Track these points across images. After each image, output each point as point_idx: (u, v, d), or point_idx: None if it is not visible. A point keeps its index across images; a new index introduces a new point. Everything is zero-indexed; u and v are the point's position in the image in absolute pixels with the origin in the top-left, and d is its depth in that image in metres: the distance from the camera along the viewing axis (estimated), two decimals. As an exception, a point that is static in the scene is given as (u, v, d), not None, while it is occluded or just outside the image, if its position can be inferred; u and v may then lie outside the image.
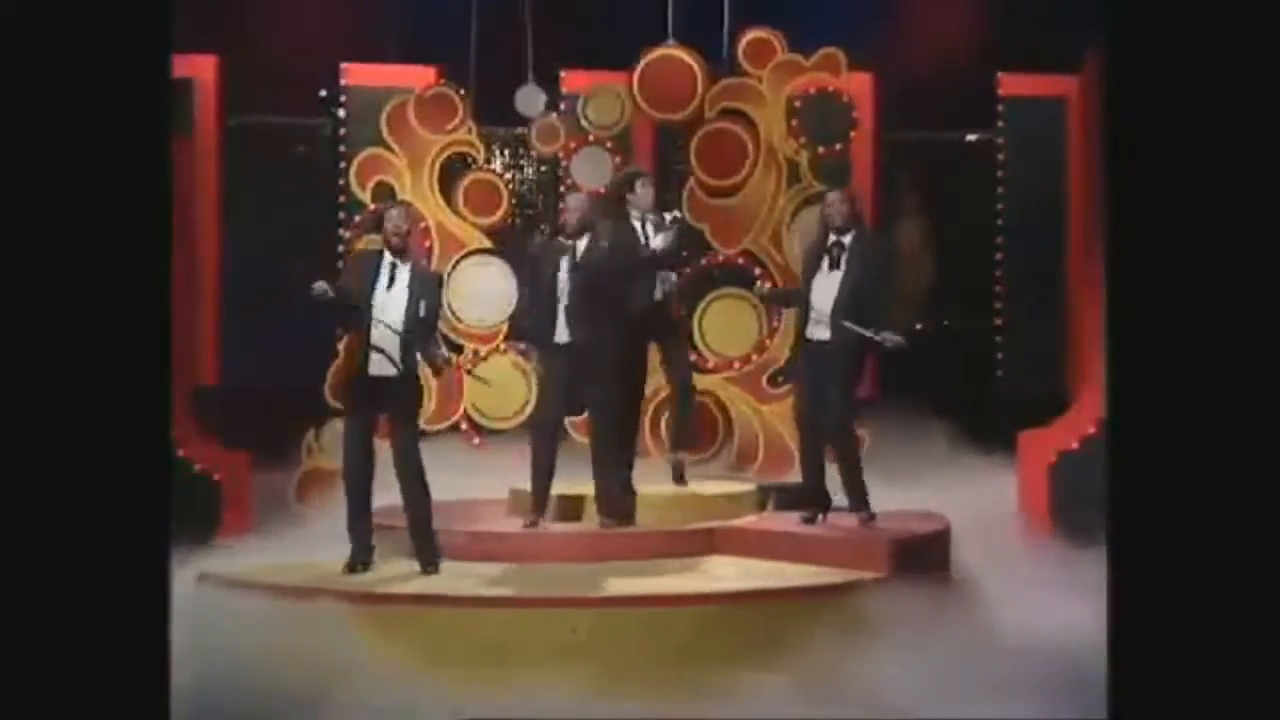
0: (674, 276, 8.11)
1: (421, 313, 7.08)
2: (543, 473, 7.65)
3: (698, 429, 9.16)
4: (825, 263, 7.60)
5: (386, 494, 7.27)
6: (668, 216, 7.95)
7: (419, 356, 7.11)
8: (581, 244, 7.67)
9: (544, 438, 7.70)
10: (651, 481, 8.17)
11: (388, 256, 7.15)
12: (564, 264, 7.63)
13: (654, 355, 8.30)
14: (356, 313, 7.05)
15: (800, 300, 7.69)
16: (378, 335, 7.02)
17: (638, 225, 7.95)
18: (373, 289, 7.07)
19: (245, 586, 6.85)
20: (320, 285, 6.98)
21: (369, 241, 9.14)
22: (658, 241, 7.85)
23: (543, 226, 10.33)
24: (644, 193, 7.99)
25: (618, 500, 7.72)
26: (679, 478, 8.26)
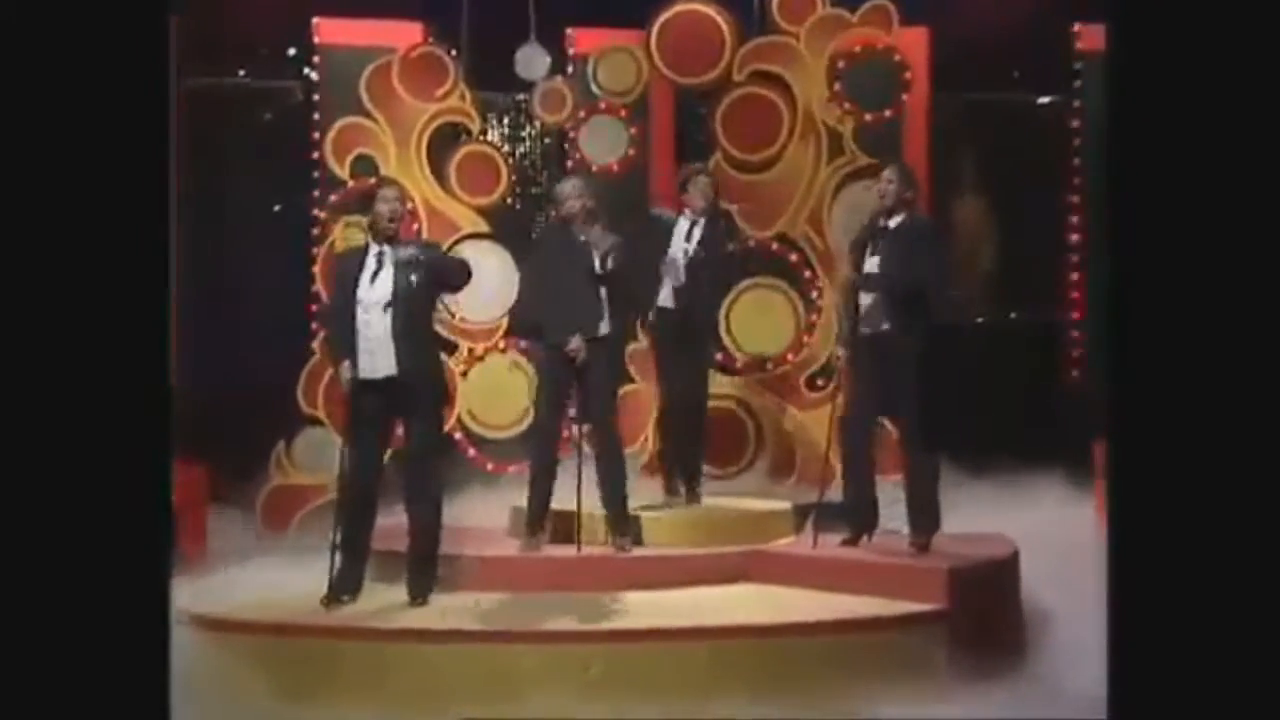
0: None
1: (414, 286, 7.03)
2: (544, 485, 7.68)
3: (725, 440, 9.23)
4: (869, 249, 7.63)
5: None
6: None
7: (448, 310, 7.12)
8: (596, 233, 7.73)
9: (546, 445, 7.77)
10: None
11: (374, 246, 7.14)
12: (604, 252, 7.67)
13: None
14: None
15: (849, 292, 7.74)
16: (366, 333, 7.01)
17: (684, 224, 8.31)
18: (355, 284, 7.07)
19: (207, 621, 6.85)
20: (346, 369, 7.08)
21: (346, 225, 9.20)
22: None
23: (548, 209, 10.34)
24: (694, 192, 8.31)
25: (631, 518, 7.75)
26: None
